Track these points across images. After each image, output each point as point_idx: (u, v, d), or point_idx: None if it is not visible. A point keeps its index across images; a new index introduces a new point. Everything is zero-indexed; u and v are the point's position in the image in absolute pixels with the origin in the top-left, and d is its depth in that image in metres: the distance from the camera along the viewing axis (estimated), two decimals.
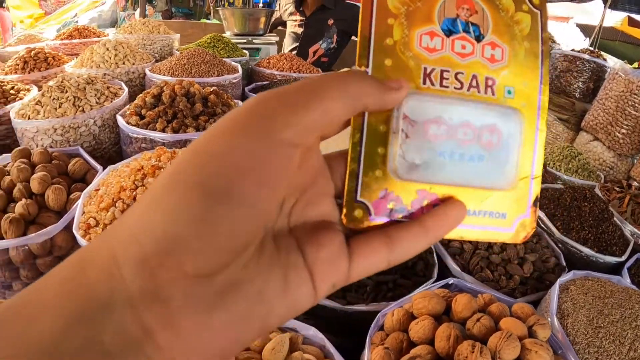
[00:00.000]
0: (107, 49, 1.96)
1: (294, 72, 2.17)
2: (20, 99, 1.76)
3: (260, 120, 0.23)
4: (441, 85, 0.29)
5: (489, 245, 1.04)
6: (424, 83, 0.29)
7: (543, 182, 1.56)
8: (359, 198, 0.28)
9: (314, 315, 0.85)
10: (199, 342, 0.21)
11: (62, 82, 1.58)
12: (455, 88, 0.30)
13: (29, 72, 2.08)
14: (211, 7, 6.14)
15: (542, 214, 1.29)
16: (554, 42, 2.66)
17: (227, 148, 0.22)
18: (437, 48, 0.30)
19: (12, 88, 1.83)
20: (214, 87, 1.49)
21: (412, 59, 0.29)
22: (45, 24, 6.80)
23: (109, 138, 1.57)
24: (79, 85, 1.58)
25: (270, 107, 0.23)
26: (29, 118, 1.51)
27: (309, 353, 0.70)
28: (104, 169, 1.27)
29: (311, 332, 0.75)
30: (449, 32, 0.30)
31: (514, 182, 0.31)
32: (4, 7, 7.06)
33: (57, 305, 0.21)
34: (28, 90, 1.86)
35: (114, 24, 7.47)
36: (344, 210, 0.28)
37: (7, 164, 1.29)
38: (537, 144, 0.32)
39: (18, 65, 2.10)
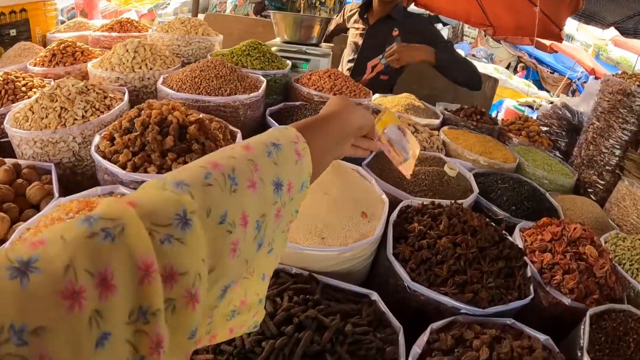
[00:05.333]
0: (127, 51, 1.77)
1: (335, 94, 1.84)
2: (29, 97, 1.65)
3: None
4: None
5: None
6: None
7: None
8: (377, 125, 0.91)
9: None
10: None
11: (55, 90, 1.45)
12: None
13: (54, 66, 1.97)
14: (302, 5, 5.97)
15: None
16: None
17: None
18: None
19: (25, 85, 1.73)
20: (200, 116, 1.23)
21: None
22: (138, 2, 7.02)
23: (91, 156, 1.38)
24: (69, 94, 1.42)
25: None
26: (20, 124, 1.41)
27: None
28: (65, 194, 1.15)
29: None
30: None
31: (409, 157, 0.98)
32: None
33: None
34: (43, 87, 1.75)
35: (205, 9, 7.58)
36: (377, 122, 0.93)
37: None
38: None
39: (47, 57, 2.01)
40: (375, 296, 0.92)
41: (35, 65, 1.99)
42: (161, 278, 0.33)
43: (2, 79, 1.69)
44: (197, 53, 2.12)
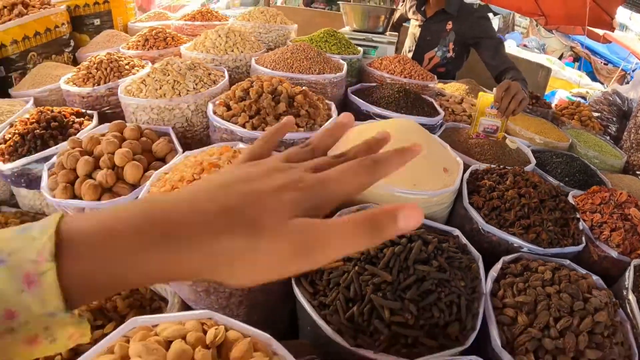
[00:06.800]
0: (219, 36, 2.03)
1: (405, 77, 2.05)
2: (133, 74, 1.91)
3: None
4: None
5: (547, 325, 0.89)
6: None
7: None
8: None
9: (324, 343, 0.81)
10: None
11: (166, 65, 1.69)
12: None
13: (148, 50, 2.24)
14: None
15: (633, 301, 1.08)
16: None
17: None
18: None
19: (128, 64, 1.99)
20: (303, 88, 1.46)
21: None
22: None
23: (201, 122, 1.63)
24: (180, 70, 1.67)
25: None
26: (133, 94, 1.64)
27: None
28: (184, 151, 1.37)
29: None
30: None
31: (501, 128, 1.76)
32: None
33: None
34: (143, 66, 2.02)
35: (257, 2, 7.88)
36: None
37: (104, 133, 1.45)
38: None
39: (139, 42, 2.28)
40: (457, 232, 1.13)
41: (128, 49, 2.26)
42: None
43: (106, 58, 1.95)
44: (276, 40, 2.36)
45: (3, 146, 1.58)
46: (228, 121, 1.39)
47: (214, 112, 1.46)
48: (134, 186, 1.28)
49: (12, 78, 2.26)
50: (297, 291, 0.91)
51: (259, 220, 0.35)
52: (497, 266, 1.06)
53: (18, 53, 2.25)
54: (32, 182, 1.53)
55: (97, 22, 2.78)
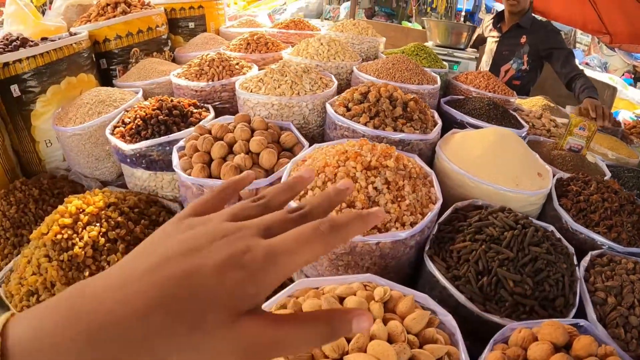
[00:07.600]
0: (322, 44, 2.26)
1: (489, 92, 2.26)
2: (243, 74, 2.10)
3: None
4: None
5: (632, 305, 1.10)
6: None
7: None
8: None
9: (452, 309, 1.03)
10: None
11: (283, 67, 1.87)
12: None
13: (251, 53, 2.44)
14: (413, 10, 6.33)
15: None
16: None
17: None
18: None
19: (237, 64, 2.19)
20: (414, 95, 1.69)
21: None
22: (257, 8, 7.69)
23: (316, 120, 1.85)
24: (297, 72, 1.86)
25: None
26: (250, 91, 1.81)
27: (440, 335, 0.88)
28: (310, 145, 1.55)
29: (448, 318, 0.93)
30: None
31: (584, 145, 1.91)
32: None
33: None
34: (249, 67, 2.21)
35: (319, 15, 8.15)
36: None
37: (229, 123, 1.62)
38: None
39: (242, 45, 2.50)
40: (552, 228, 1.34)
41: (232, 51, 2.44)
42: None
43: (217, 57, 2.15)
44: (367, 51, 2.59)
45: (123, 129, 1.74)
46: (350, 120, 1.61)
47: (336, 112, 1.67)
48: (268, 171, 1.45)
49: (115, 70, 2.54)
50: (431, 266, 1.14)
51: (201, 319, 0.32)
52: (587, 258, 1.27)
53: (121, 48, 2.51)
54: (152, 163, 1.66)
55: (191, 25, 3.04)
